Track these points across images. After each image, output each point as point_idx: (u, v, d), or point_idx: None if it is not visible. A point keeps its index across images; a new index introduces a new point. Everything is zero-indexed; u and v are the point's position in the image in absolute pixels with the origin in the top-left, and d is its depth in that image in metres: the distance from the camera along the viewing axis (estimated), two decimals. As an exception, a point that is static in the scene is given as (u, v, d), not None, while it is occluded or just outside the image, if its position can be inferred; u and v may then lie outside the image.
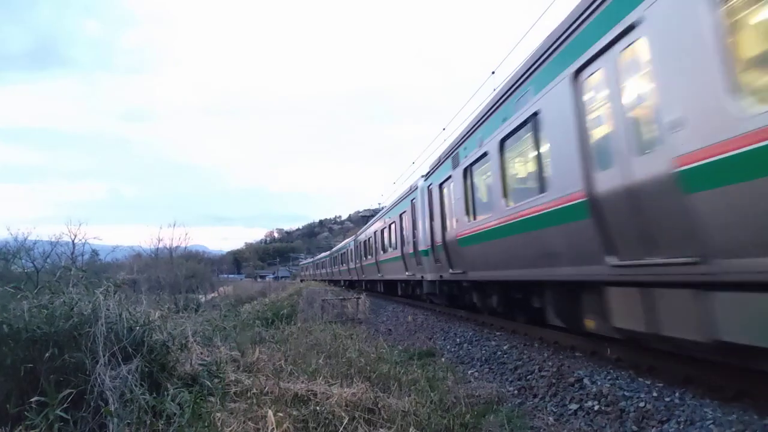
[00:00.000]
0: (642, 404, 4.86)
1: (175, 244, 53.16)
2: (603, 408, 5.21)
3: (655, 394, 5.08)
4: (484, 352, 8.99)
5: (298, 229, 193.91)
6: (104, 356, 4.62)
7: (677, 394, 5.13)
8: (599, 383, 5.70)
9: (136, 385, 4.44)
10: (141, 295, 7.09)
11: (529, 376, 6.96)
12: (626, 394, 5.19)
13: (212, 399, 4.43)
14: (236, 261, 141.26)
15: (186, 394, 4.01)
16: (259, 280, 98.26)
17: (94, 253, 45.44)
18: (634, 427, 4.64)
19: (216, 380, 5.13)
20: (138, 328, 4.96)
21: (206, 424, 3.38)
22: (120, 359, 4.72)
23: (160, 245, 51.36)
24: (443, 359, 9.37)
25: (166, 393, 4.19)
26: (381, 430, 4.10)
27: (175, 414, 3.69)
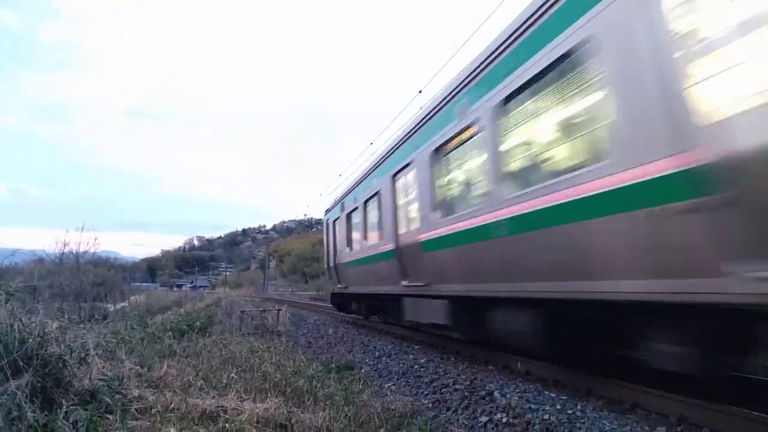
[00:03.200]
0: (547, 416, 5.10)
1: (82, 249, 49.54)
2: (511, 420, 5.40)
3: (558, 407, 5.34)
4: (402, 365, 9.07)
5: (219, 238, 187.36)
6: (-11, 371, 4.22)
7: (579, 407, 5.43)
8: (508, 396, 5.92)
9: (25, 402, 4.09)
10: (38, 304, 6.55)
11: (444, 390, 7.09)
12: (533, 406, 5.42)
13: (111, 417, 4.15)
14: (150, 269, 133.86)
15: (81, 411, 3.73)
16: (175, 289, 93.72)
17: (-10, 256, 41.61)
18: (539, 439, 4.85)
19: (117, 396, 4.82)
20: (31, 340, 4.56)
21: (101, 444, 3.16)
22: (9, 374, 4.33)
23: (66, 250, 47.67)
24: (362, 372, 9.37)
25: (59, 410, 3.87)
26: (292, 447, 4.02)
27: (65, 434, 3.42)
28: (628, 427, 4.57)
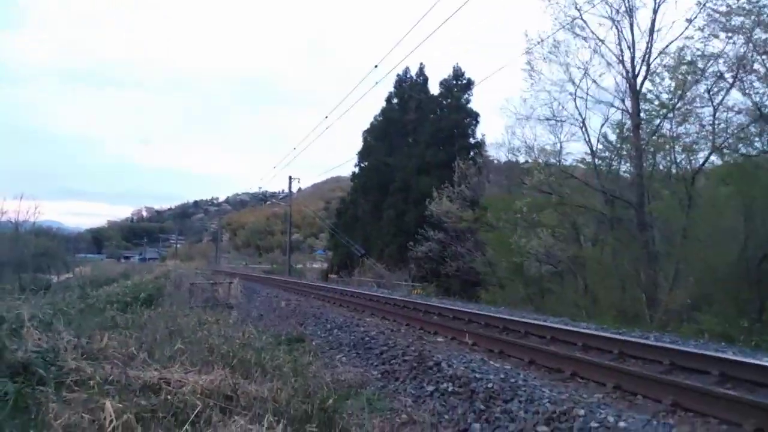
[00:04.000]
0: (491, 385, 5.24)
1: (22, 219, 47.11)
2: (456, 389, 5.53)
3: (502, 376, 5.50)
4: (353, 337, 9.13)
5: (170, 209, 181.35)
6: None
7: (522, 376, 5.61)
8: (455, 366, 6.05)
9: (-51, 376, 3.86)
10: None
11: (393, 361, 7.19)
12: (477, 375, 5.56)
13: (45, 389, 3.97)
14: (96, 240, 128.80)
15: (9, 384, 3.55)
16: (122, 260, 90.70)
17: None
18: (482, 406, 4.98)
19: (53, 368, 4.62)
20: (-44, 310, 4.29)
21: (32, 417, 3.02)
22: (-70, 346, 4.07)
23: (3, 219, 45.22)
24: (313, 344, 9.37)
25: (-15, 383, 3.68)
26: (236, 417, 3.96)
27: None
28: (567, 394, 4.75)
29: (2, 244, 42.57)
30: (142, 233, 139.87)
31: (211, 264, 63.80)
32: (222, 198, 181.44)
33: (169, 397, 4.23)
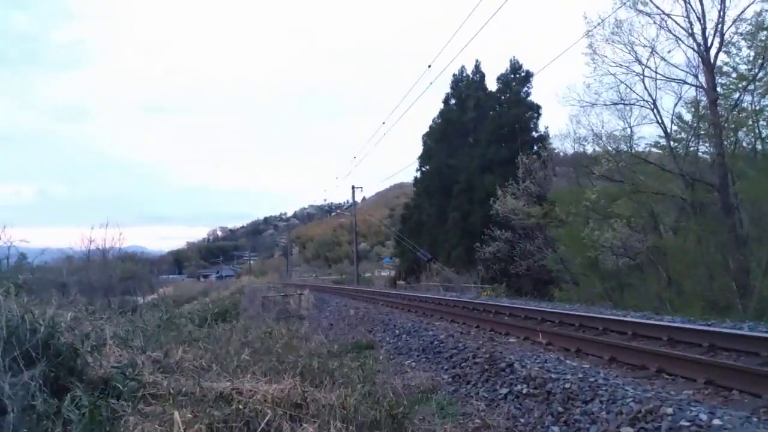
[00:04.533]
0: (568, 385, 4.95)
1: (108, 245, 50.48)
2: (531, 391, 5.28)
3: (580, 375, 5.19)
4: (421, 342, 9.00)
5: (242, 227, 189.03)
6: (4, 362, 4.24)
7: (602, 375, 5.27)
8: (529, 367, 5.78)
9: (38, 391, 4.10)
10: (57, 298, 6.60)
11: (464, 364, 7.00)
12: (553, 376, 5.27)
13: (122, 402, 4.14)
14: (177, 261, 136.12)
15: (86, 397, 3.72)
16: (201, 279, 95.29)
17: (22, 256, 42.73)
18: (560, 408, 4.71)
19: (132, 383, 4.82)
20: (42, 329, 4.57)
21: (107, 430, 3.13)
22: (22, 365, 4.34)
23: (92, 247, 48.63)
24: (382, 351, 9.33)
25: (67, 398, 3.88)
26: (305, 425, 3.95)
27: (72, 420, 3.40)
28: (653, 392, 4.39)
29: (92, 271, 45.74)
30: (218, 252, 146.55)
31: (283, 277, 65.66)
32: (290, 213, 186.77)
33: (240, 406, 4.28)
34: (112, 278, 45.25)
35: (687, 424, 3.52)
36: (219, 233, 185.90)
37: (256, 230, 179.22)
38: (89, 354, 4.86)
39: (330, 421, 4.13)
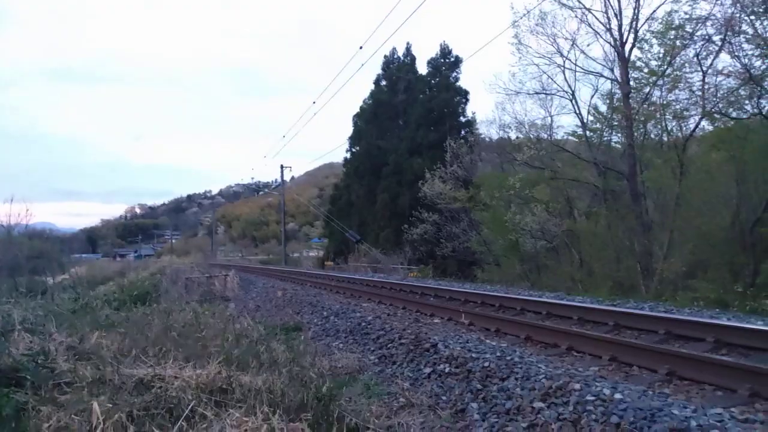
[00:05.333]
0: (487, 364, 5.22)
1: (13, 222, 46.67)
2: (453, 370, 5.52)
3: (498, 354, 5.48)
4: (349, 323, 9.10)
5: (163, 205, 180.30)
6: None
7: (518, 353, 5.60)
8: (451, 347, 6.03)
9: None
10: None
11: (390, 345, 7.18)
12: (474, 355, 5.54)
13: (36, 393, 3.92)
14: (90, 239, 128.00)
15: (-5, 390, 3.50)
16: (118, 259, 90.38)
17: None
18: (479, 385, 4.97)
19: (44, 371, 4.56)
20: (-62, 318, 4.22)
21: (16, 423, 2.97)
22: None
23: (-5, 223, 44.76)
24: (310, 333, 9.36)
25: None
26: (231, 410, 3.92)
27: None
28: (563, 369, 4.74)
29: (-4, 249, 42.19)
30: (136, 230, 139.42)
31: (208, 257, 63.69)
32: (215, 191, 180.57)
33: (162, 393, 4.18)
34: (19, 257, 41.94)
35: (592, 398, 3.84)
36: (137, 210, 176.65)
37: (179, 208, 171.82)
38: (-4, 342, 4.54)
39: (256, 405, 4.13)
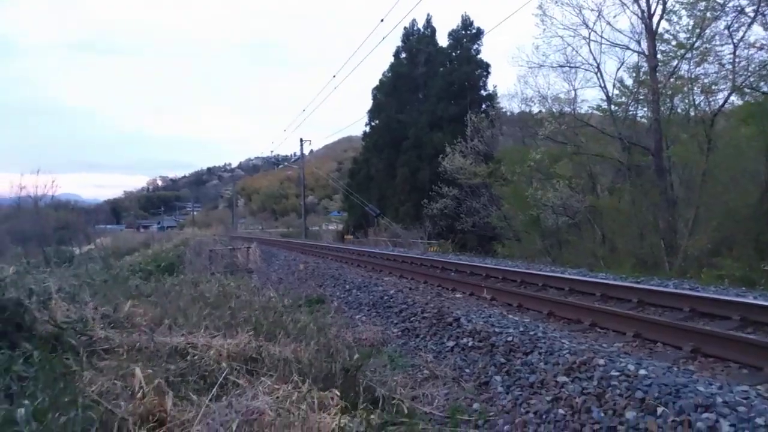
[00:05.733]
0: (510, 338, 5.29)
1: (40, 193, 47.86)
2: (476, 344, 5.60)
3: (521, 329, 5.54)
4: (372, 297, 9.24)
5: (184, 177, 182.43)
6: (-56, 318, 4.10)
7: (541, 328, 5.65)
8: (474, 321, 6.10)
9: (-14, 348, 4.01)
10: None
11: (412, 318, 7.29)
12: (497, 330, 5.61)
13: (76, 358, 4.11)
14: (114, 211, 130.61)
15: (41, 354, 3.67)
16: (141, 230, 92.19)
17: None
18: (502, 359, 5.05)
19: (83, 338, 4.77)
20: (-16, 285, 4.42)
21: (64, 385, 3.13)
22: (-35, 321, 4.22)
23: (23, 194, 45.98)
24: (333, 305, 9.53)
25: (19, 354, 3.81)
26: (263, 378, 4.07)
27: (27, 377, 3.37)
28: (587, 345, 4.78)
29: (24, 219, 43.43)
30: (158, 202, 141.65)
31: (228, 230, 64.58)
32: (235, 164, 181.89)
33: (196, 361, 4.34)
34: (46, 227, 43.19)
35: (617, 374, 3.88)
36: (159, 183, 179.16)
37: (199, 180, 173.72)
38: (39, 309, 4.74)
39: (286, 374, 4.27)
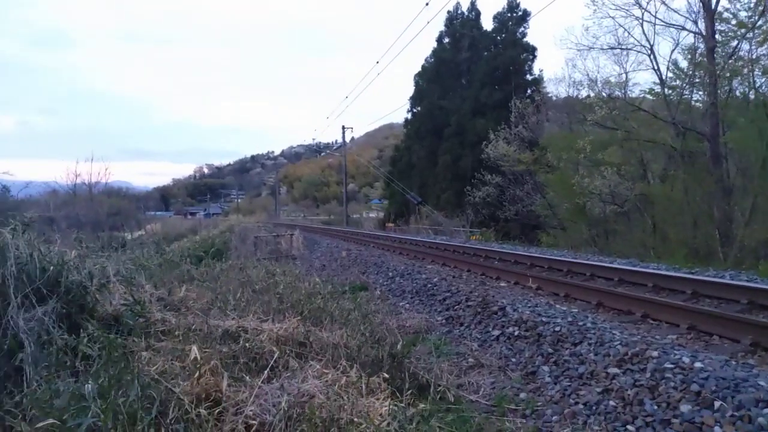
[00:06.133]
0: (558, 328, 5.21)
1: (94, 180, 50.01)
2: (523, 333, 5.55)
3: (570, 319, 5.45)
4: (415, 284, 9.27)
5: (229, 165, 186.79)
6: (16, 298, 4.35)
7: (590, 319, 5.54)
8: (520, 310, 6.04)
9: (53, 327, 4.24)
10: (57, 234, 6.66)
11: (456, 306, 7.27)
12: (544, 319, 5.53)
13: (135, 339, 4.31)
14: (163, 198, 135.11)
15: (103, 334, 3.87)
16: (189, 217, 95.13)
17: (5, 189, 42.18)
18: (550, 349, 4.98)
19: (140, 320, 4.98)
20: (52, 268, 4.66)
21: (125, 365, 3.30)
22: (34, 301, 4.46)
23: (78, 181, 48.17)
24: (376, 292, 9.60)
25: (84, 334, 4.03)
26: (312, 362, 4.15)
27: (91, 356, 3.56)
28: (639, 336, 4.66)
29: (79, 206, 45.46)
30: (204, 189, 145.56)
31: (271, 217, 65.86)
32: (277, 151, 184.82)
33: (247, 344, 4.47)
34: (100, 213, 45.06)
35: (671, 366, 3.77)
36: (205, 170, 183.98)
37: (243, 168, 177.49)
38: (98, 292, 4.98)
39: (335, 359, 4.35)
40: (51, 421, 2.71)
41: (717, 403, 3.26)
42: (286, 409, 3.17)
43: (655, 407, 3.54)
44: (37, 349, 3.92)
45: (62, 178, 48.01)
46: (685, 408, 3.37)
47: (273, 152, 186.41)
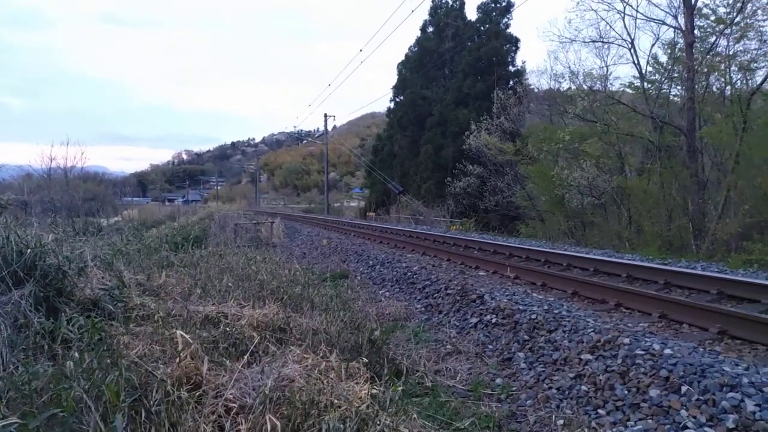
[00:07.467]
0: (534, 316, 5.33)
1: (70, 164, 48.93)
2: (500, 321, 5.66)
3: (545, 307, 5.57)
4: (395, 273, 9.34)
5: (208, 151, 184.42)
6: (-9, 281, 4.30)
7: (565, 307, 5.67)
8: (498, 299, 6.15)
9: (30, 311, 4.20)
10: (33, 218, 6.56)
11: (436, 295, 7.37)
12: (521, 308, 5.65)
13: (114, 323, 4.30)
14: (141, 183, 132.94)
15: (82, 318, 3.85)
16: (167, 203, 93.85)
17: (-24, 171, 41.10)
18: (526, 336, 5.10)
19: (119, 304, 4.96)
20: (29, 251, 4.60)
21: (106, 348, 3.29)
22: (10, 284, 4.41)
23: (53, 165, 47.08)
24: (356, 280, 9.66)
25: (62, 318, 3.99)
26: (292, 347, 4.19)
27: (72, 339, 3.54)
28: (611, 324, 4.79)
29: (54, 190, 44.50)
30: (183, 176, 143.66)
31: (251, 204, 65.35)
32: (258, 138, 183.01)
33: (227, 329, 4.49)
34: (75, 198, 44.14)
35: (641, 352, 3.90)
36: (184, 156, 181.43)
37: (223, 155, 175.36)
38: (77, 276, 4.93)
39: (315, 344, 4.40)
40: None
41: (684, 388, 3.40)
42: (267, 392, 3.21)
43: (626, 392, 3.67)
44: (13, 332, 3.89)
45: (36, 162, 46.81)
46: (653, 392, 3.50)
47: (254, 139, 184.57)
